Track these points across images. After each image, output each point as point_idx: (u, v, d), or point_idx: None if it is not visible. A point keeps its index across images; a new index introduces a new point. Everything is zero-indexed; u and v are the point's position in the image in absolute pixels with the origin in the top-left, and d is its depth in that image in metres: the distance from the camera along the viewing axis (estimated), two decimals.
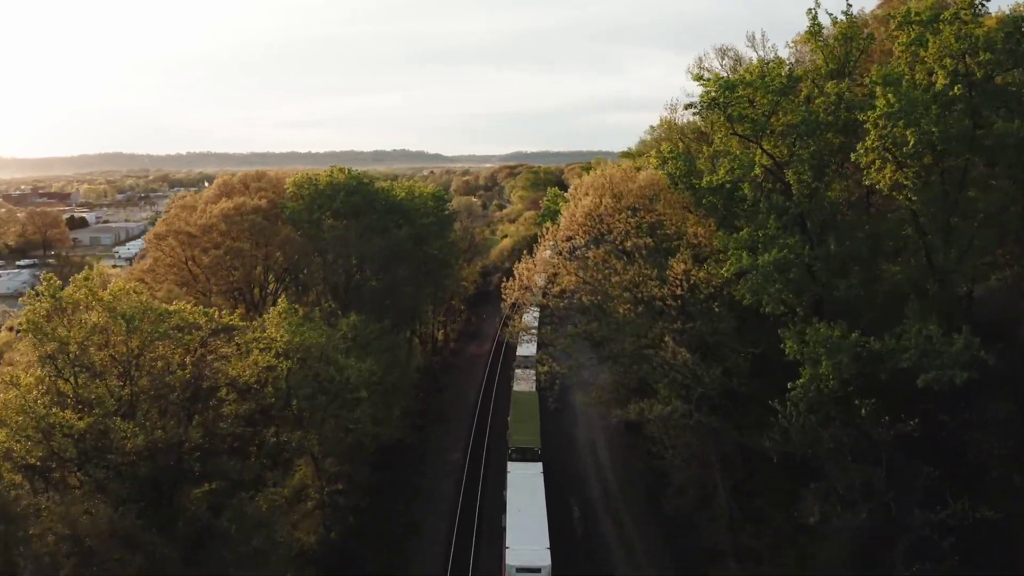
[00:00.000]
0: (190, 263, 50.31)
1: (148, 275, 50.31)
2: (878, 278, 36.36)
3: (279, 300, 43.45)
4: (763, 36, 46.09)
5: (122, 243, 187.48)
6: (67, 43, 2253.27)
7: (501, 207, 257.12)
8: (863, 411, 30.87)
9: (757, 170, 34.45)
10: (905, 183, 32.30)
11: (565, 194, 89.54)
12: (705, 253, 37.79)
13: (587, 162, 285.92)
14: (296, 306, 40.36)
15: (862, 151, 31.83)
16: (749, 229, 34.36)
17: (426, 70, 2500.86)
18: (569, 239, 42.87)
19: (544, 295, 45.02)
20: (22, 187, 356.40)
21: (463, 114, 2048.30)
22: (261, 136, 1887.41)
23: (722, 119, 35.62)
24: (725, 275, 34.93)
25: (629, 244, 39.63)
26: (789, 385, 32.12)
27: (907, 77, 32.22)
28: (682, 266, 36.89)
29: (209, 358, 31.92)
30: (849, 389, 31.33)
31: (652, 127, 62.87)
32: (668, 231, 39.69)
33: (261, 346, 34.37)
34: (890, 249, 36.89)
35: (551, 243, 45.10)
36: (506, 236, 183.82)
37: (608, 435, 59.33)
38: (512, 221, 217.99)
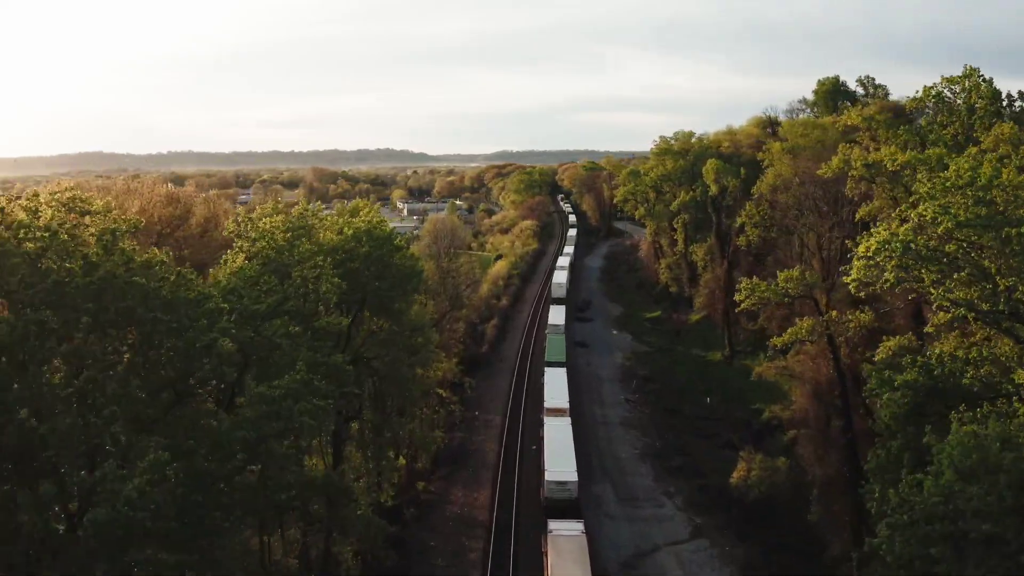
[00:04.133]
0: None
1: None
2: None
3: None
4: None
5: None
6: (50, 42, 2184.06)
7: (490, 212, 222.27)
8: None
9: None
10: None
11: None
12: None
13: (590, 160, 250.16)
14: None
15: None
16: None
17: (412, 70, 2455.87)
18: None
19: None
20: None
21: (448, 114, 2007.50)
22: (244, 136, 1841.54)
23: None
24: None
25: None
26: None
27: None
28: None
29: None
30: None
31: None
32: None
33: None
34: None
35: None
36: (500, 256, 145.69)
37: None
38: (505, 231, 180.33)
